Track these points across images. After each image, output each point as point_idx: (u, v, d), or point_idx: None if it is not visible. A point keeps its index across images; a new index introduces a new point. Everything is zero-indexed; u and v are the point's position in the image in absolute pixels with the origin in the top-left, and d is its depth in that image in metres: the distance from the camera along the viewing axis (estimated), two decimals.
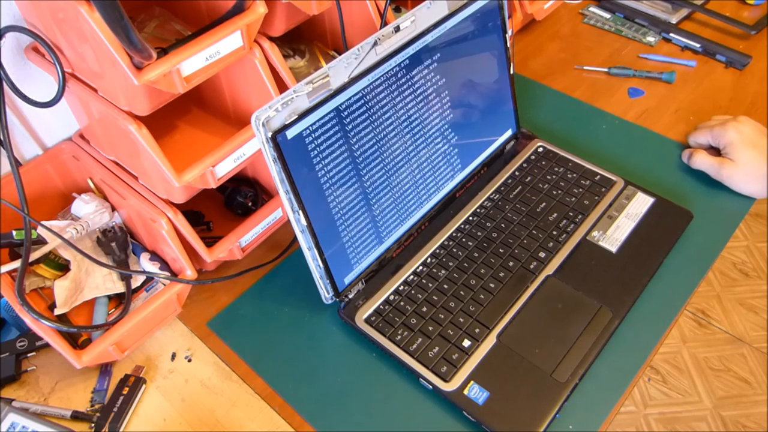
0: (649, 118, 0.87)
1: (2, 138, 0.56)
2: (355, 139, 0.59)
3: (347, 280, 0.64)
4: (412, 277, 0.67)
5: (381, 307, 0.64)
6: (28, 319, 0.56)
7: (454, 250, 0.69)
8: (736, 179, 0.74)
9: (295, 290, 0.68)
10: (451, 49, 0.66)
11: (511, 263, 0.67)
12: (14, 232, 0.61)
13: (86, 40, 0.50)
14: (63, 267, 0.65)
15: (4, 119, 0.56)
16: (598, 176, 0.75)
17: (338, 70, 0.56)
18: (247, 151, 0.61)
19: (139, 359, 0.64)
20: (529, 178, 0.76)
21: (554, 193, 0.74)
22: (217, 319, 0.66)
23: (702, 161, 0.77)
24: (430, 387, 0.58)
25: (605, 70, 0.94)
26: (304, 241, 0.58)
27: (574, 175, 0.76)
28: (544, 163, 0.78)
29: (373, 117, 0.61)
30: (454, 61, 0.67)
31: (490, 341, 0.61)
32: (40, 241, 0.62)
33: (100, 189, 0.69)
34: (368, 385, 0.61)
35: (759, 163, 0.73)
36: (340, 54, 0.68)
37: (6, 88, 0.56)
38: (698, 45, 0.95)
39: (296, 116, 0.54)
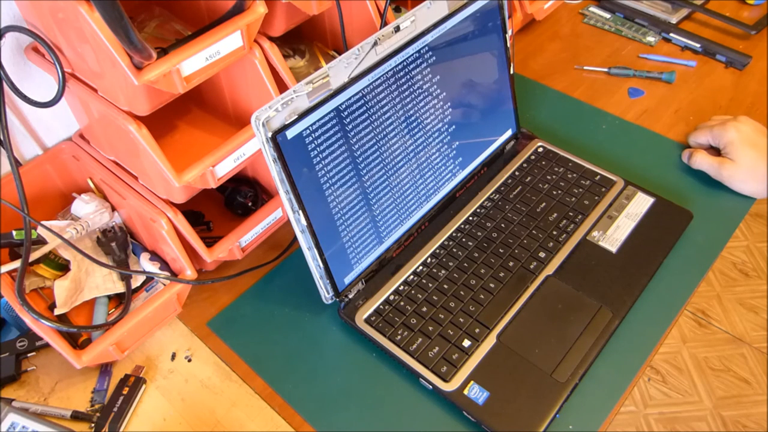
0: (649, 118, 0.87)
1: (2, 138, 0.56)
2: (355, 139, 0.59)
3: (347, 280, 0.64)
4: (412, 277, 0.67)
5: (381, 307, 0.64)
6: (28, 319, 0.56)
7: (454, 250, 0.69)
8: (736, 179, 0.74)
9: (295, 290, 0.68)
10: (451, 49, 0.66)
11: (511, 263, 0.67)
12: (14, 232, 0.61)
13: (86, 40, 0.50)
14: (63, 267, 0.65)
15: (4, 119, 0.56)
16: (598, 176, 0.75)
17: (338, 70, 0.56)
18: (247, 151, 0.61)
19: (139, 359, 0.64)
20: (529, 178, 0.76)
21: (554, 193, 0.74)
22: (217, 319, 0.66)
23: (702, 161, 0.77)
24: (430, 387, 0.58)
25: (605, 70, 0.94)
26: (304, 241, 0.58)
27: (574, 175, 0.76)
28: (544, 163, 0.78)
29: (373, 117, 0.61)
30: (454, 61, 0.67)
31: (490, 341, 0.61)
32: (40, 241, 0.62)
33: (100, 189, 0.69)
34: (368, 385, 0.61)
35: (759, 163, 0.73)
36: (340, 54, 0.68)
37: (6, 88, 0.56)
38: (698, 45, 0.95)
39: (296, 116, 0.54)
